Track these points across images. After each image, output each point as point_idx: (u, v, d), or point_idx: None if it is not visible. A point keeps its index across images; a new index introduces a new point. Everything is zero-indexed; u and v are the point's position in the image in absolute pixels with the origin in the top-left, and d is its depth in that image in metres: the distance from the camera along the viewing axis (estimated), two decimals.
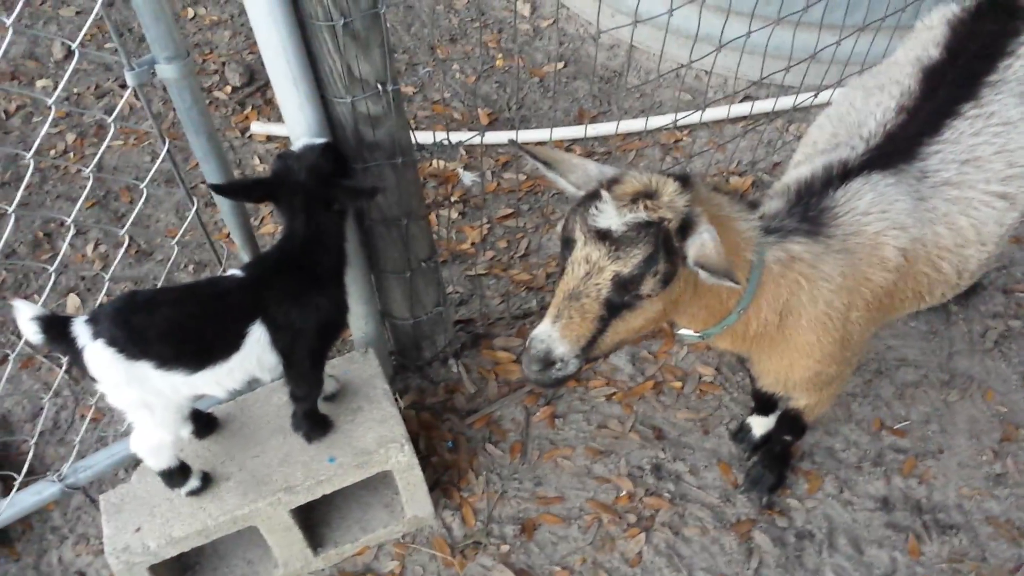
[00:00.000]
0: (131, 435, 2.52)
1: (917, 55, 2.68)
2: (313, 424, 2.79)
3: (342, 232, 2.59)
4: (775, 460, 3.17)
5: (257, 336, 2.40)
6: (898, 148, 2.46)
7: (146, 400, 2.36)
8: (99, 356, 2.23)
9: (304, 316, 2.46)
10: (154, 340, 2.27)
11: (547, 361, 2.00)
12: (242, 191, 2.64)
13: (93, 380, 2.30)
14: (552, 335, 2.00)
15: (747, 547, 3.06)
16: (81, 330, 2.23)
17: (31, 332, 2.21)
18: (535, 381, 2.06)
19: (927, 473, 3.23)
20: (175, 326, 2.31)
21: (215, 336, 2.38)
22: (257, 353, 2.42)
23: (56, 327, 2.24)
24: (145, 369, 2.27)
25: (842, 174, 2.39)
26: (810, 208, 2.33)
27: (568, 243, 2.00)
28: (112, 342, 2.22)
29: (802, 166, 2.58)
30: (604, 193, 1.93)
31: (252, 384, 2.78)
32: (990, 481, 3.20)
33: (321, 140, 2.48)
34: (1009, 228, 2.56)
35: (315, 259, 2.49)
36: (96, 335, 2.22)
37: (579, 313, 1.98)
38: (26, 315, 2.20)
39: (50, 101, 2.31)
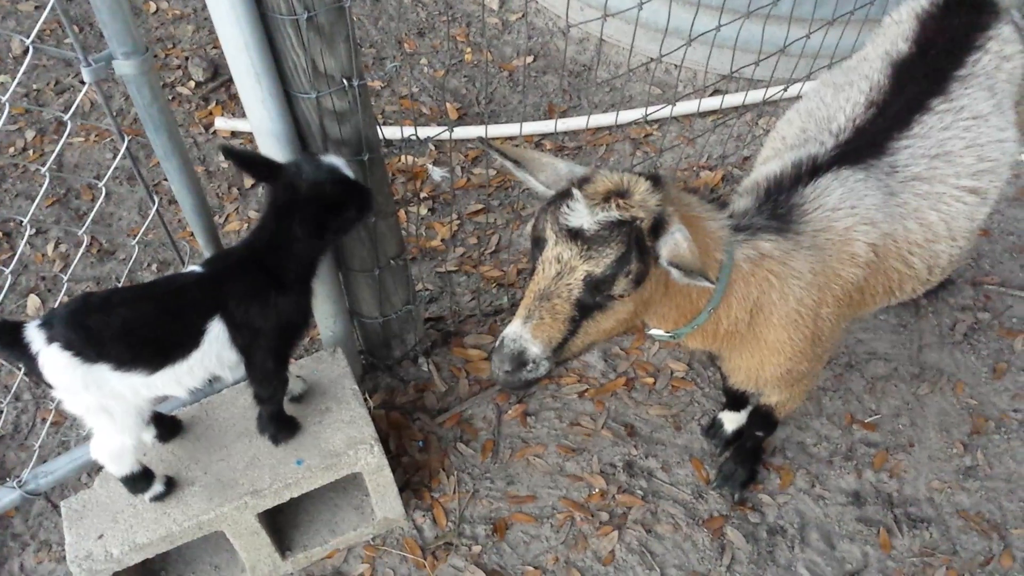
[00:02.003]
0: (91, 441, 2.46)
1: (886, 49, 2.68)
2: (279, 426, 2.73)
3: (319, 251, 2.50)
4: (747, 456, 3.16)
5: (216, 333, 2.34)
6: (867, 143, 2.45)
7: (105, 405, 2.30)
8: (54, 361, 2.15)
9: (264, 315, 2.40)
10: (111, 341, 2.19)
11: (519, 361, 1.97)
12: (247, 163, 2.45)
13: (49, 387, 2.23)
14: (524, 335, 1.96)
15: (719, 543, 3.05)
16: (34, 335, 2.15)
17: None
18: (505, 382, 2.02)
19: (898, 467, 3.24)
20: (132, 325, 2.23)
21: (173, 334, 2.31)
22: (217, 350, 2.36)
23: (7, 333, 2.16)
24: (103, 372, 2.20)
25: (811, 170, 2.38)
26: (779, 205, 2.32)
27: (539, 242, 1.97)
28: (67, 346, 2.14)
29: (771, 162, 2.56)
30: (576, 192, 1.90)
31: (214, 382, 2.73)
32: (960, 474, 3.22)
33: (346, 172, 2.38)
34: (980, 223, 2.56)
35: (281, 264, 2.43)
36: (50, 339, 2.14)
37: (550, 313, 1.95)
38: None
39: (4, 99, 2.25)
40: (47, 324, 2.17)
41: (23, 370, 2.96)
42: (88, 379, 2.20)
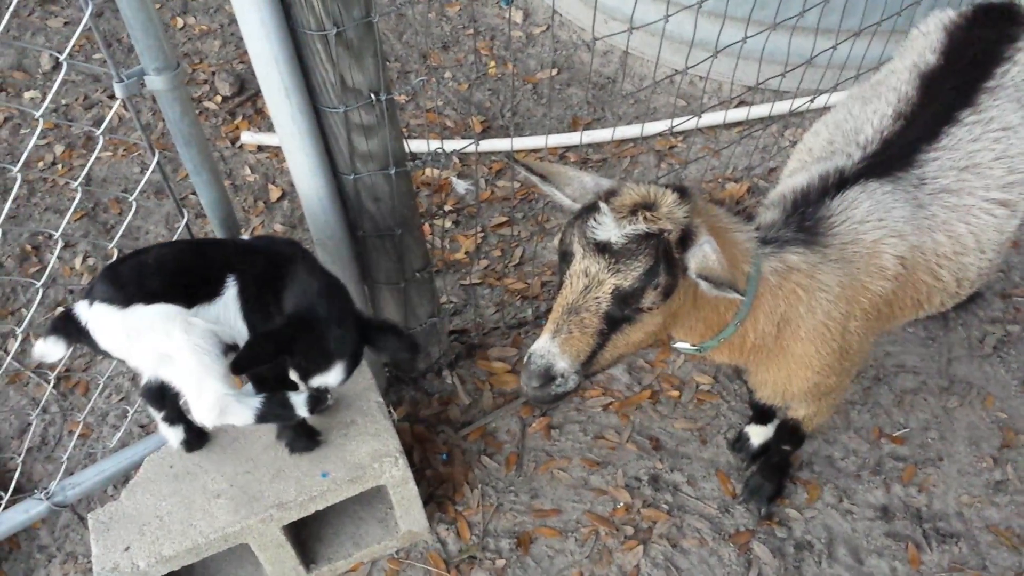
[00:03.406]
0: (191, 410, 2.41)
1: (914, 61, 2.66)
2: (296, 435, 2.73)
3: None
4: (774, 470, 3.13)
5: (232, 292, 2.34)
6: (895, 155, 2.43)
7: (158, 350, 2.25)
8: (97, 320, 2.21)
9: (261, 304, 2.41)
10: (141, 280, 2.24)
11: (547, 377, 1.96)
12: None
13: (106, 354, 2.28)
14: (552, 350, 1.96)
15: (746, 558, 3.03)
16: (81, 308, 2.24)
17: (56, 350, 2.25)
18: (534, 398, 2.01)
19: (927, 481, 3.20)
20: (162, 263, 2.29)
21: (202, 274, 2.33)
22: (233, 312, 2.36)
23: (64, 321, 2.26)
24: (139, 312, 2.21)
25: (838, 182, 2.37)
26: (806, 218, 2.31)
27: (566, 256, 1.97)
28: (104, 299, 2.21)
29: (798, 174, 2.55)
30: (603, 205, 1.90)
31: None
32: (990, 488, 3.18)
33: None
34: (1010, 236, 2.54)
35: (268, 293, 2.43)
36: (91, 302, 2.23)
37: (578, 327, 1.94)
38: (44, 343, 2.26)
39: (37, 114, 2.27)
40: (89, 292, 2.25)
41: (52, 382, 3.01)
42: (128, 325, 2.21)
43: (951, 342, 3.62)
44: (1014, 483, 3.18)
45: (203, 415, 2.37)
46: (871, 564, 3.01)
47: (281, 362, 2.42)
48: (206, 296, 2.31)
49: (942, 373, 3.52)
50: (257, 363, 2.33)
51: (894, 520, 3.11)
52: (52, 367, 3.38)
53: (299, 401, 2.50)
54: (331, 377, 2.41)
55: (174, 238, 2.88)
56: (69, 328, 2.25)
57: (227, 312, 2.34)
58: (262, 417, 2.45)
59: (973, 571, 2.97)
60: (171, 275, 2.28)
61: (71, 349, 2.30)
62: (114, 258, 2.61)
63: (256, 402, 2.43)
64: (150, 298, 2.22)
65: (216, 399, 2.33)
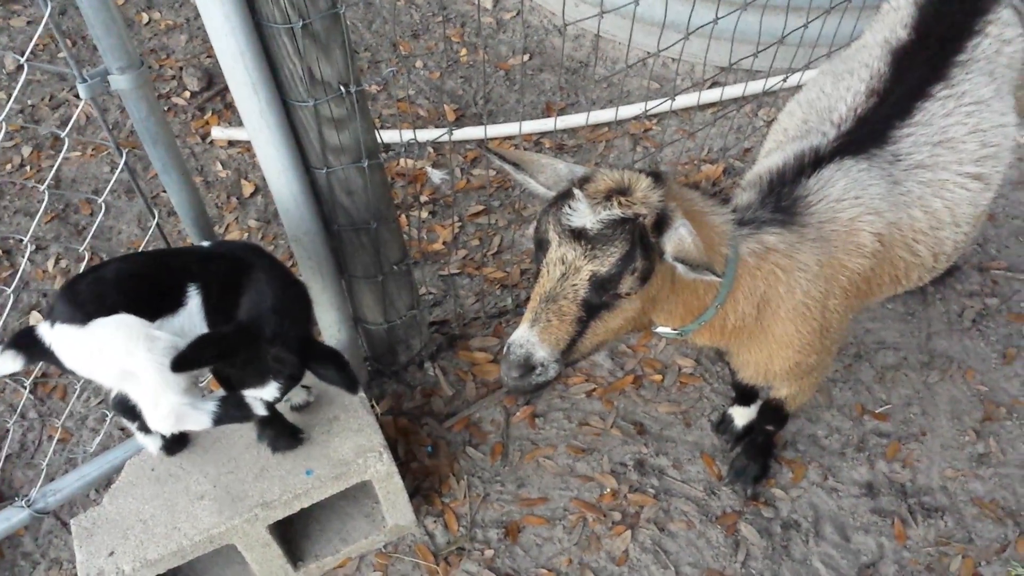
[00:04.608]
0: (147, 419, 2.39)
1: (885, 37, 2.66)
2: (277, 433, 2.71)
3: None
4: (758, 450, 3.14)
5: (196, 302, 2.32)
6: (870, 132, 2.43)
7: (121, 368, 2.24)
8: (59, 341, 2.17)
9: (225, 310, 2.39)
10: (101, 296, 2.20)
11: (527, 367, 1.95)
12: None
13: (72, 373, 2.25)
14: (530, 339, 1.94)
15: (734, 540, 3.04)
16: (44, 330, 2.20)
17: (13, 364, 2.22)
18: (514, 388, 2.00)
19: (910, 456, 3.22)
20: (121, 278, 2.25)
21: (162, 286, 2.30)
22: (197, 322, 2.33)
23: (25, 339, 2.22)
24: (100, 325, 2.17)
25: (814, 161, 2.37)
26: (783, 198, 2.30)
27: (542, 244, 1.95)
28: (64, 319, 2.17)
29: (773, 155, 2.54)
30: (577, 192, 1.89)
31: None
32: (973, 462, 3.20)
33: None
34: (985, 208, 2.54)
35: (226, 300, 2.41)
36: (52, 322, 2.19)
37: (557, 316, 1.93)
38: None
39: (0, 117, 2.23)
40: (49, 312, 2.21)
41: (28, 387, 2.97)
42: (88, 341, 2.18)
43: (930, 317, 3.63)
44: (997, 455, 3.21)
45: (159, 424, 2.37)
46: (858, 541, 3.02)
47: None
48: (169, 308, 2.28)
49: (922, 348, 3.53)
50: (197, 365, 2.31)
51: (879, 496, 3.12)
52: (28, 372, 3.34)
53: (256, 402, 2.47)
54: (264, 393, 2.42)
55: (146, 238, 2.85)
56: (32, 347, 2.21)
57: (191, 322, 2.31)
58: (219, 420, 2.43)
59: (959, 544, 2.99)
60: (131, 289, 2.24)
61: (32, 366, 2.28)
62: (81, 269, 2.58)
63: (211, 406, 2.41)
64: (110, 313, 2.19)
65: (171, 409, 2.32)
